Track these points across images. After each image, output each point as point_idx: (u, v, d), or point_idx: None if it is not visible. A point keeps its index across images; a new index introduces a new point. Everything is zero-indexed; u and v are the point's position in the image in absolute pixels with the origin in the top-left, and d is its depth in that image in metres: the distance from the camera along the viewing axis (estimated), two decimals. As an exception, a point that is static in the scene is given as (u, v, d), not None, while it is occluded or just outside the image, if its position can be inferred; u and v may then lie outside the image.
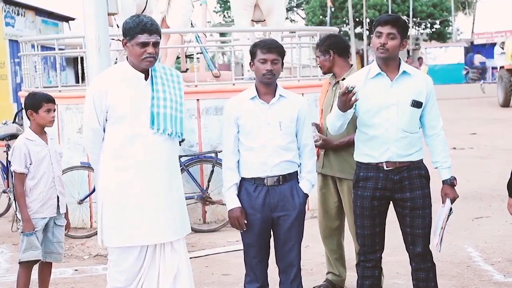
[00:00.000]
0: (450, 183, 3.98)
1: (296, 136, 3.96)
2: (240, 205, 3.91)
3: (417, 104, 3.90)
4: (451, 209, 3.99)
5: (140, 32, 3.66)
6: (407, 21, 4.00)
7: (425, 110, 3.96)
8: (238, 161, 3.94)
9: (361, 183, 4.00)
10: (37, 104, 4.54)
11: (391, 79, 3.91)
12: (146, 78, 3.79)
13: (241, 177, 3.95)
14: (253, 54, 3.89)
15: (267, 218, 3.91)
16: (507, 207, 3.88)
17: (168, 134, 3.78)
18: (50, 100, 4.58)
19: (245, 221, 3.91)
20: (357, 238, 4.13)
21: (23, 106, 4.66)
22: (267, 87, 3.91)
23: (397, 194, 3.97)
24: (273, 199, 3.89)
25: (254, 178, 3.90)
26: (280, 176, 3.89)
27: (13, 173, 4.53)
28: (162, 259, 3.82)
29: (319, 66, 4.90)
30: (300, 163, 3.99)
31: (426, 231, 3.99)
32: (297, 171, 3.99)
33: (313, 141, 4.19)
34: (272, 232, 4.01)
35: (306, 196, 3.99)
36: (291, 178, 3.94)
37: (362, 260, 4.11)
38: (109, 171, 3.79)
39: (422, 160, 4.00)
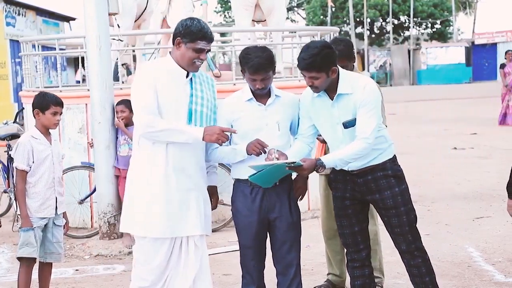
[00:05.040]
0: (318, 163, 3.72)
1: (291, 131, 3.96)
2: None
3: (350, 124, 3.83)
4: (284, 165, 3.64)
5: (201, 38, 3.70)
6: (326, 52, 3.71)
7: (357, 118, 3.83)
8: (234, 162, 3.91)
9: (333, 184, 4.09)
10: (45, 104, 4.54)
11: (331, 99, 3.86)
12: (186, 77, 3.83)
13: (237, 179, 3.93)
14: (242, 65, 3.82)
15: (263, 220, 3.88)
16: (507, 209, 3.87)
17: None
18: (59, 103, 4.59)
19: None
20: (340, 238, 4.18)
21: (31, 104, 4.62)
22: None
23: (367, 196, 3.99)
24: (270, 200, 3.86)
25: None
26: None
27: (15, 169, 4.54)
28: (185, 256, 3.83)
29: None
30: None
31: (404, 229, 3.98)
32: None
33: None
34: (268, 234, 3.98)
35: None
36: (287, 178, 3.92)
37: (349, 260, 4.16)
38: (145, 164, 3.78)
39: (387, 160, 3.95)
